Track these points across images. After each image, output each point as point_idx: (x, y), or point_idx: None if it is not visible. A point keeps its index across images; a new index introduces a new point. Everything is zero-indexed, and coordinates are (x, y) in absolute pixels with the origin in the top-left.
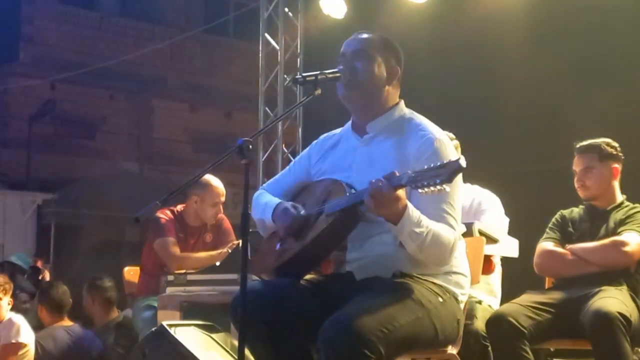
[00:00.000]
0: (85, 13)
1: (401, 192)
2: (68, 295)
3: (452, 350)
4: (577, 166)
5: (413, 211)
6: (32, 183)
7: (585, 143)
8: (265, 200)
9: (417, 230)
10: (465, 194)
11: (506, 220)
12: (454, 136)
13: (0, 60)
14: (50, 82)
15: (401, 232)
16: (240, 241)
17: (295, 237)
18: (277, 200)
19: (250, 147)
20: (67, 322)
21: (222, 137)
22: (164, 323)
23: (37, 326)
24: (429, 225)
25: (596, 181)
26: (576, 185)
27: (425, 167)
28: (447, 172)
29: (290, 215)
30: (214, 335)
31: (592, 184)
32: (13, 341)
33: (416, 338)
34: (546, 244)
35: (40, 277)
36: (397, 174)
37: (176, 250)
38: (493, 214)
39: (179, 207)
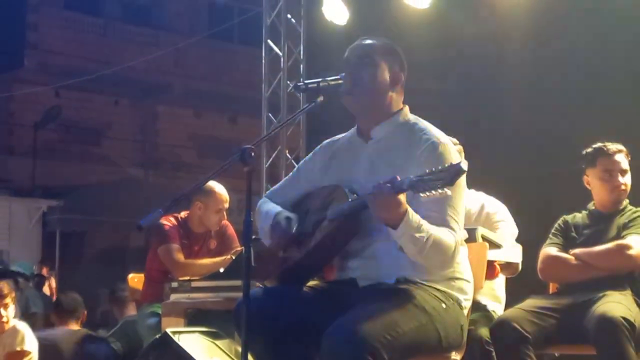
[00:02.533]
0: (90, 20)
1: (402, 197)
2: (71, 300)
3: (456, 356)
4: (611, 165)
5: (413, 216)
6: (38, 190)
7: (614, 144)
8: (267, 209)
9: (417, 235)
10: (471, 200)
11: (516, 230)
12: (457, 141)
13: (5, 67)
14: (55, 89)
15: (401, 237)
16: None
17: (298, 244)
18: (277, 209)
19: (252, 154)
20: (74, 326)
21: (226, 142)
22: (168, 330)
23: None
24: (429, 230)
25: (629, 183)
26: (613, 185)
27: (427, 170)
28: (449, 175)
29: (280, 231)
30: (218, 342)
31: (628, 187)
32: (18, 349)
33: (420, 344)
34: (550, 250)
35: (46, 284)
36: (399, 179)
37: (180, 256)
38: (509, 226)
39: (183, 214)
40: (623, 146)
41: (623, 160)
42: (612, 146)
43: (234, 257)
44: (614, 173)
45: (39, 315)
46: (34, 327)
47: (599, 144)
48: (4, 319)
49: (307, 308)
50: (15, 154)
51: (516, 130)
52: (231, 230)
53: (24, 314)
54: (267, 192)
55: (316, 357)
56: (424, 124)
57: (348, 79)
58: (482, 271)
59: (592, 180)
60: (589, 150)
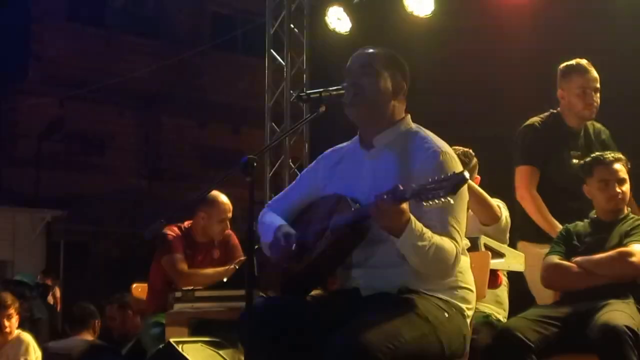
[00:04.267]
0: (93, 30)
1: (405, 206)
2: (82, 310)
3: None
4: (608, 175)
5: (416, 224)
6: (42, 200)
7: (613, 153)
8: (268, 221)
9: (420, 243)
10: None
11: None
12: (472, 153)
13: (9, 78)
14: (59, 100)
15: (404, 245)
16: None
17: (301, 254)
18: (277, 223)
19: (255, 164)
20: (88, 336)
21: (230, 152)
22: (172, 340)
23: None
24: (432, 238)
25: (628, 192)
26: (610, 194)
27: (430, 180)
28: (451, 184)
29: (280, 248)
30: (221, 352)
31: (627, 195)
32: (22, 359)
33: (422, 354)
34: (552, 258)
35: (50, 294)
36: (402, 188)
37: (184, 266)
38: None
39: (187, 224)
40: (622, 155)
41: (621, 169)
42: (610, 155)
43: (237, 267)
44: (610, 183)
45: (43, 322)
46: (38, 334)
47: (597, 153)
48: (7, 330)
49: (310, 318)
50: (19, 165)
51: None
52: (235, 239)
53: (29, 320)
54: (270, 201)
55: None
56: (426, 132)
57: (350, 89)
58: (485, 280)
59: (590, 189)
60: (587, 159)
